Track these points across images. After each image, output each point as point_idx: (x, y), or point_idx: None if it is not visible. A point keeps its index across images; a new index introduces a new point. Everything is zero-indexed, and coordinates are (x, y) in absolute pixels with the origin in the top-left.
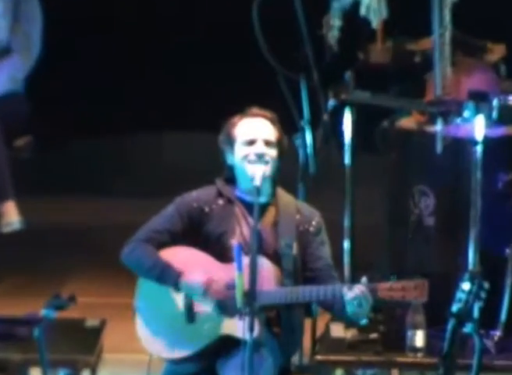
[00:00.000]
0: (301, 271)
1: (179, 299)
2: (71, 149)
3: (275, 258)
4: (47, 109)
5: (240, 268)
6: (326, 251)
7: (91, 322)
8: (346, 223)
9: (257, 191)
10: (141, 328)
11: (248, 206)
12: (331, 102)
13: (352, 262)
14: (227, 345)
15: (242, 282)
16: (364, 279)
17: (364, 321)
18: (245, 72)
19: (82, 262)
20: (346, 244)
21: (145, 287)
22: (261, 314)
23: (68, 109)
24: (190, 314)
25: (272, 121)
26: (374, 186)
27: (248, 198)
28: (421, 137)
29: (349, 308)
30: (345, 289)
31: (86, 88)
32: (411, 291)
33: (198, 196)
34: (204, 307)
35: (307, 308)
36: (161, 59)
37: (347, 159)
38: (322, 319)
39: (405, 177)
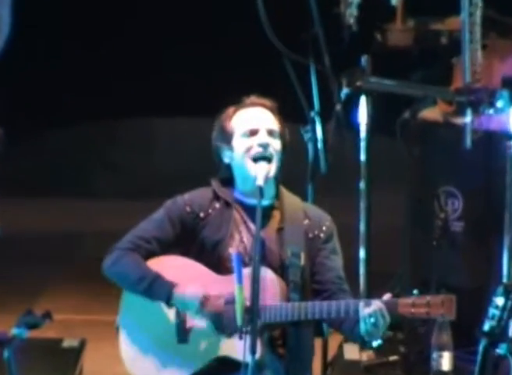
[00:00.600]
0: (309, 283)
1: (170, 314)
2: (44, 143)
3: (281, 269)
4: (17, 98)
5: (239, 280)
6: (338, 261)
7: (69, 342)
8: (362, 227)
9: (261, 191)
10: (125, 348)
11: (249, 210)
12: (345, 90)
13: (368, 273)
14: (225, 368)
15: (242, 296)
16: (387, 295)
17: (377, 342)
18: (246, 55)
19: (58, 273)
20: (362, 253)
21: (130, 301)
22: (264, 333)
23: (40, 98)
24: (183, 332)
25: (273, 110)
26: (394, 186)
27: (248, 201)
28: (448, 130)
29: (363, 327)
30: (361, 304)
31: (62, 74)
32: (437, 307)
33: (192, 199)
34: (199, 324)
35: (317, 327)
36: (154, 44)
37: (363, 155)
38: (335, 339)
39: (429, 176)
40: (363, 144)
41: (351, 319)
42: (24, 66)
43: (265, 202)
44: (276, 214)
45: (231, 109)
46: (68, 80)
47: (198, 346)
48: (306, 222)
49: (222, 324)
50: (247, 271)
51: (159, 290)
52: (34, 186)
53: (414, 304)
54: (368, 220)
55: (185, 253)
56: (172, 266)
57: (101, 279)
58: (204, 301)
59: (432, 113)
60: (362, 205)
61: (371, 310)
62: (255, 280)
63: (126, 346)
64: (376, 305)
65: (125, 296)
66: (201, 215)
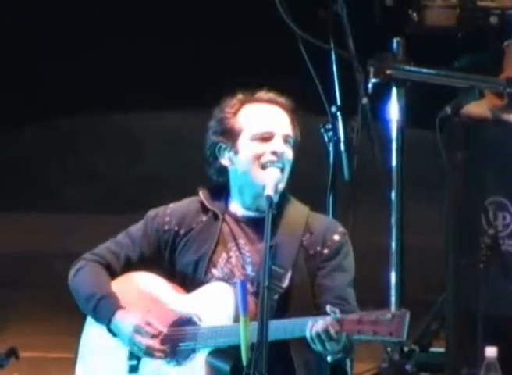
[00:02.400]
0: (298, 305)
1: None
2: (5, 146)
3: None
4: None
5: (244, 309)
6: (341, 278)
7: None
8: (393, 247)
9: (270, 202)
10: None
11: (243, 224)
12: (372, 80)
13: (400, 302)
14: None
15: (247, 329)
16: (329, 308)
17: (330, 358)
18: (253, 36)
19: (25, 301)
20: (394, 277)
21: (86, 329)
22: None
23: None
24: (134, 360)
25: (287, 110)
26: (430, 197)
27: (245, 213)
28: (498, 128)
29: (313, 346)
30: (309, 324)
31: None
32: (385, 324)
33: (173, 213)
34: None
35: (338, 368)
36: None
37: (394, 159)
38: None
39: (476, 185)
40: (394, 146)
41: None
42: None
43: (262, 214)
44: (272, 228)
45: (237, 99)
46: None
47: None
48: (306, 237)
49: (175, 350)
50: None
51: (102, 312)
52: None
53: (360, 321)
54: (401, 238)
55: (162, 269)
56: (135, 285)
57: (77, 309)
58: (139, 329)
59: (478, 108)
60: (393, 219)
61: (313, 332)
62: (262, 307)
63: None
64: (320, 326)
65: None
66: (181, 232)
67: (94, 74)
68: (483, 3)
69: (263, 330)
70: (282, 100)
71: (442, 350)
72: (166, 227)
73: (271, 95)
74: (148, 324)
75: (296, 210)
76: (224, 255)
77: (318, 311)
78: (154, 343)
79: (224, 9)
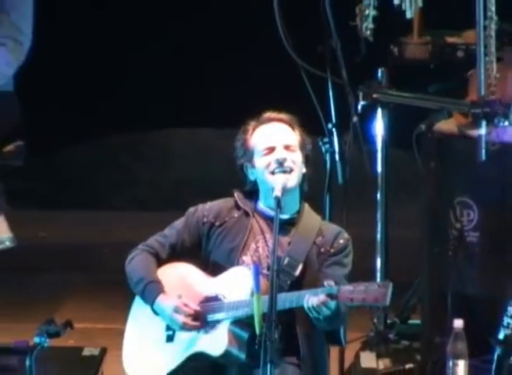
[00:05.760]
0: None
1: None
2: (62, 156)
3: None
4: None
5: (257, 289)
6: (339, 271)
7: (90, 350)
8: (379, 238)
9: (278, 202)
10: (125, 349)
11: (268, 221)
12: (361, 103)
13: None
14: (197, 364)
15: (260, 305)
16: (329, 282)
17: (329, 328)
18: (266, 68)
19: (79, 282)
20: (379, 263)
21: (134, 306)
22: (279, 343)
23: (59, 112)
24: (170, 333)
25: (290, 124)
26: (410, 198)
27: (270, 213)
28: (463, 142)
29: (311, 317)
30: (307, 297)
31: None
32: (373, 293)
33: (211, 208)
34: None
35: (333, 336)
36: (173, 56)
37: (379, 167)
38: (352, 348)
39: (445, 188)
40: (379, 156)
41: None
42: (45, 79)
43: (286, 216)
44: (293, 229)
45: (251, 126)
46: (91, 94)
47: (181, 343)
48: (319, 239)
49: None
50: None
51: (148, 295)
52: (54, 198)
53: (352, 291)
54: (385, 231)
55: (202, 259)
56: (176, 273)
57: (120, 289)
58: (178, 309)
59: (447, 125)
60: (379, 216)
61: (311, 303)
62: (272, 289)
63: (125, 347)
64: (318, 299)
65: (133, 303)
66: (217, 223)
67: (136, 99)
68: (451, 40)
69: (272, 306)
70: (282, 116)
71: (418, 322)
72: (205, 220)
73: (272, 115)
74: (186, 306)
75: (312, 217)
76: (253, 246)
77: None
78: (190, 320)
79: (246, 53)
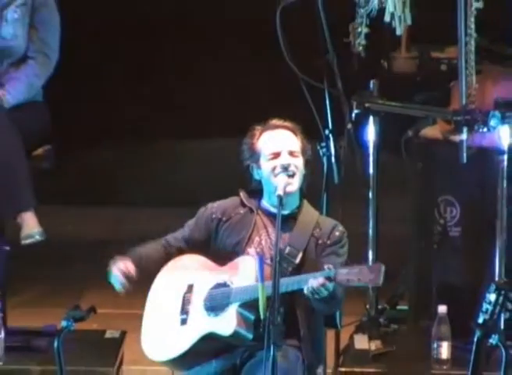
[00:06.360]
0: None
1: (179, 303)
2: (87, 157)
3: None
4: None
5: (261, 279)
6: (334, 260)
7: (111, 333)
8: (370, 232)
9: (280, 200)
10: (143, 328)
11: (271, 217)
12: (355, 111)
13: None
14: (209, 343)
15: (264, 293)
16: (328, 265)
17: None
18: (269, 79)
19: (102, 273)
20: (370, 254)
21: (152, 294)
22: (282, 326)
23: (87, 116)
24: (184, 315)
25: (294, 131)
26: (400, 196)
27: (273, 210)
28: (447, 146)
29: (311, 300)
30: (310, 280)
31: (106, 94)
32: (366, 274)
33: (219, 206)
34: (197, 308)
35: (330, 321)
36: (184, 65)
37: (371, 168)
38: (346, 331)
39: (430, 187)
40: (371, 159)
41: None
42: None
43: (287, 211)
44: (293, 222)
45: (257, 131)
46: (118, 99)
47: (193, 326)
48: (317, 231)
49: (213, 306)
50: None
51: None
52: (80, 197)
53: (348, 273)
54: (376, 226)
55: (211, 253)
56: (191, 262)
57: (139, 278)
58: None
59: (432, 131)
60: (370, 212)
61: (311, 286)
62: (275, 278)
63: (144, 327)
64: (318, 282)
65: (151, 289)
66: (224, 218)
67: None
68: (435, 55)
69: (275, 294)
70: (286, 124)
71: (406, 307)
72: (213, 216)
73: (278, 122)
74: (124, 264)
75: (310, 212)
76: (257, 239)
77: None
78: (118, 271)
79: (252, 66)
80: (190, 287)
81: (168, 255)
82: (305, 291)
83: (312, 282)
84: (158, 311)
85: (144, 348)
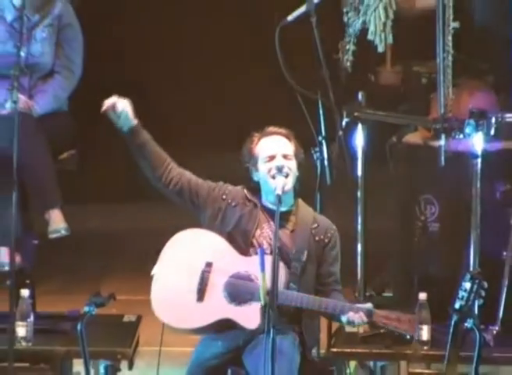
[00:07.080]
0: (310, 278)
1: (195, 277)
2: (107, 154)
3: (287, 261)
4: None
5: (262, 269)
6: (337, 266)
7: (128, 317)
8: (359, 227)
9: (279, 198)
10: (156, 293)
11: (271, 213)
12: (345, 119)
13: (364, 265)
14: (224, 328)
15: (265, 281)
16: (368, 304)
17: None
18: (268, 92)
19: (119, 264)
20: (359, 247)
21: (166, 257)
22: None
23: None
24: (201, 293)
25: (288, 137)
26: (384, 195)
27: (271, 207)
28: (427, 151)
29: (345, 323)
30: (350, 314)
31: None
32: (404, 323)
33: (230, 191)
34: (215, 289)
35: None
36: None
37: (359, 171)
38: None
39: (412, 187)
40: (359, 162)
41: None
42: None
43: (284, 208)
44: (292, 218)
45: (256, 137)
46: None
47: (211, 307)
48: (314, 226)
49: (235, 294)
50: (267, 260)
51: None
52: (100, 195)
53: (387, 317)
54: (364, 222)
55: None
56: (209, 239)
57: (152, 268)
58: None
59: (414, 138)
60: (359, 209)
61: (352, 319)
62: (274, 268)
63: (156, 291)
64: (359, 316)
65: (165, 251)
66: (233, 204)
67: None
68: (417, 69)
69: (274, 281)
70: (281, 130)
71: (390, 295)
72: (224, 197)
73: (274, 129)
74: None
75: (306, 209)
76: (259, 232)
77: (320, 287)
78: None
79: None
80: (209, 265)
81: (167, 169)
82: (343, 320)
83: (354, 316)
84: (173, 274)
85: (154, 307)
